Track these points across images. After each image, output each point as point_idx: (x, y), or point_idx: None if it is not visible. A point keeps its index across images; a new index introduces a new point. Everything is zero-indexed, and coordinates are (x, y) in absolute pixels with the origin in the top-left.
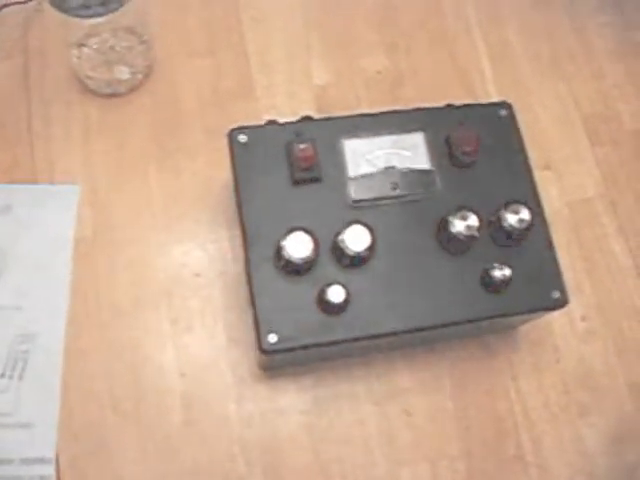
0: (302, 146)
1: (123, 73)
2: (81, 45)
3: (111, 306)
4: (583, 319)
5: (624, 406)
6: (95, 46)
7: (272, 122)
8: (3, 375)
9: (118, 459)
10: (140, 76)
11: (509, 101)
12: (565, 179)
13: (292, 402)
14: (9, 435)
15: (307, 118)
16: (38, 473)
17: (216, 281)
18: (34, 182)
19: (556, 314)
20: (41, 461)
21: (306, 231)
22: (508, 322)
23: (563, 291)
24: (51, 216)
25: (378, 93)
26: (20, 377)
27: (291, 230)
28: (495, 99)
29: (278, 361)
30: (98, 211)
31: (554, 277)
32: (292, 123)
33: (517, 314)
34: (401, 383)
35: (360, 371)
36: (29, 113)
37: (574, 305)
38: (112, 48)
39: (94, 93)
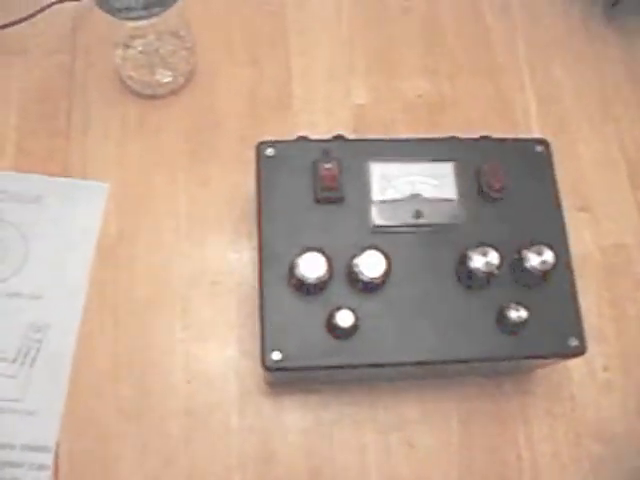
0: (327, 165)
1: (164, 76)
2: (126, 46)
3: (126, 306)
4: (605, 369)
5: None
6: (139, 48)
7: (303, 138)
8: (15, 361)
9: (116, 458)
10: (181, 80)
11: (548, 138)
12: (601, 223)
13: (294, 421)
14: (14, 421)
15: (339, 137)
16: (37, 461)
17: (233, 291)
18: (67, 175)
19: (576, 361)
20: (42, 449)
21: (321, 252)
22: (523, 365)
23: (582, 339)
24: (79, 211)
25: (416, 117)
26: (31, 365)
27: (306, 250)
28: (537, 135)
29: (283, 378)
30: (124, 211)
31: (573, 324)
32: (321, 141)
33: (531, 358)
34: (407, 414)
35: (366, 398)
36: (70, 108)
37: (596, 354)
38: (156, 51)
39: (134, 94)
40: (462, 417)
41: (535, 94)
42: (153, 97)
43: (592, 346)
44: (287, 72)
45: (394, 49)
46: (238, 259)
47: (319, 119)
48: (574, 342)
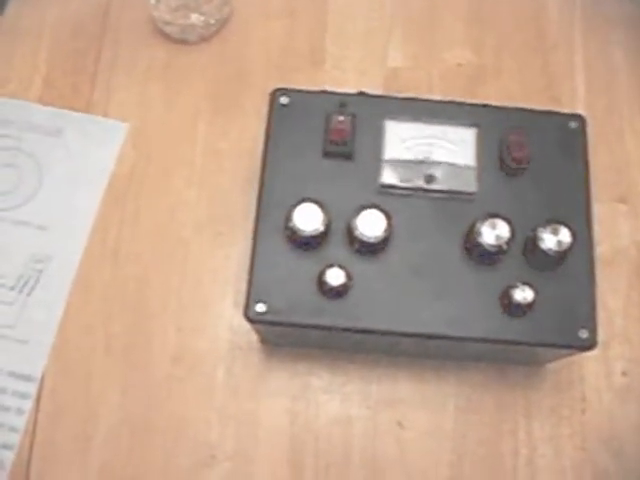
0: (340, 118)
1: (197, 20)
2: None
3: (127, 248)
4: (624, 374)
5: None
6: None
7: (324, 91)
8: (13, 288)
9: (98, 396)
10: (214, 27)
11: (593, 122)
12: None
13: (282, 385)
14: (4, 346)
15: (362, 93)
16: (21, 389)
17: (237, 244)
18: (88, 111)
19: (591, 360)
20: (27, 378)
21: (319, 204)
22: (530, 354)
23: (593, 332)
24: (95, 148)
25: (454, 86)
26: (29, 294)
27: (303, 200)
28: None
29: (272, 336)
30: (140, 153)
31: (585, 314)
32: (340, 94)
33: (533, 345)
34: (401, 392)
35: (359, 369)
36: (100, 46)
37: (617, 356)
38: None
39: (166, 37)
40: (460, 403)
41: (586, 75)
42: (183, 42)
43: (613, 347)
44: (322, 27)
45: (438, 15)
46: (245, 213)
47: (350, 78)
48: (584, 334)
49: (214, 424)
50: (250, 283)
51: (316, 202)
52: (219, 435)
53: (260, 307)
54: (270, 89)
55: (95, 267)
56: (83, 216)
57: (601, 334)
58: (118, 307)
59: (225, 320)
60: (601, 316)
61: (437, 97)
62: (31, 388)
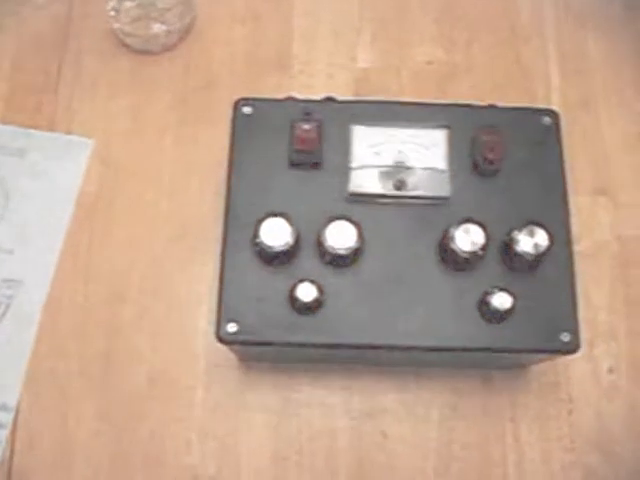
0: (305, 126)
1: (159, 30)
2: None
3: (99, 267)
4: (610, 371)
5: None
6: (136, 1)
7: (290, 98)
8: None
9: (75, 421)
10: (176, 36)
11: (570, 114)
12: (622, 209)
13: (262, 400)
14: None
15: (329, 99)
16: None
17: (211, 259)
18: (52, 129)
19: (578, 360)
20: (1, 408)
21: (287, 219)
22: (511, 359)
23: (576, 334)
24: (61, 167)
25: (424, 85)
26: None
27: (270, 215)
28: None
29: (246, 353)
30: (108, 169)
31: (567, 317)
32: (306, 101)
33: (514, 352)
34: (383, 402)
35: (340, 381)
36: (62, 60)
37: (602, 353)
38: (152, 4)
39: (128, 49)
40: (444, 410)
41: (560, 65)
42: (147, 53)
43: (598, 345)
44: (289, 31)
45: (407, 13)
46: (218, 226)
47: (318, 82)
48: (566, 337)
49: (195, 444)
50: (220, 303)
51: (283, 215)
52: (200, 455)
53: (232, 327)
54: (237, 97)
55: (67, 288)
56: (52, 237)
57: (586, 332)
58: (92, 328)
59: (201, 338)
60: (585, 313)
61: (408, 98)
62: (7, 418)
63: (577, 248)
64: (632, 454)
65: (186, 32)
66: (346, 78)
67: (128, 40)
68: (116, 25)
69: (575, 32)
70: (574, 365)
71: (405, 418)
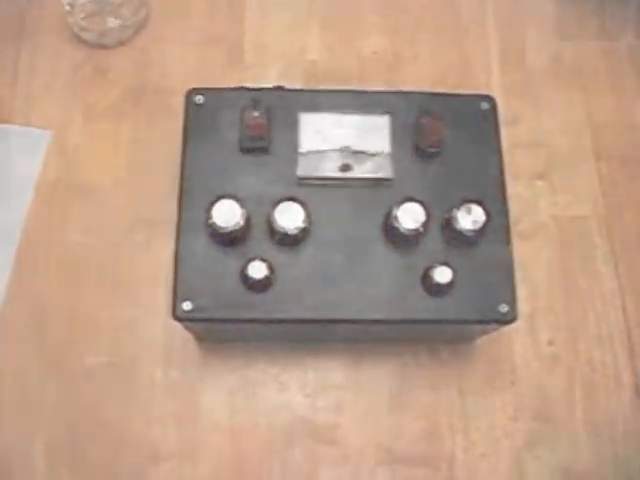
0: (254, 114)
1: (114, 24)
2: None
3: (58, 256)
4: (550, 343)
5: (578, 445)
6: None
7: (241, 88)
8: None
9: (36, 407)
10: (131, 30)
11: (510, 101)
12: (559, 193)
13: (219, 379)
14: None
15: (278, 88)
16: None
17: (169, 242)
18: (9, 122)
19: (520, 333)
20: None
21: (237, 201)
22: (456, 331)
23: (513, 306)
24: (19, 158)
25: (370, 75)
26: None
27: (222, 197)
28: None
29: (204, 333)
30: (65, 160)
31: (504, 289)
32: (255, 90)
33: (456, 323)
34: (337, 378)
35: (294, 359)
36: (19, 54)
37: (542, 326)
38: None
39: (83, 43)
40: (394, 384)
41: (501, 56)
42: (102, 47)
43: (538, 319)
44: (240, 25)
45: (354, 5)
46: (175, 213)
47: (270, 74)
48: (504, 308)
49: (155, 423)
50: (175, 282)
51: (234, 198)
52: (161, 434)
53: (187, 305)
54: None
55: (27, 278)
56: (10, 228)
57: (526, 307)
58: (52, 316)
59: (160, 321)
60: (526, 290)
61: (355, 87)
62: None
63: (517, 228)
64: (569, 420)
65: (140, 26)
66: (296, 70)
67: (83, 34)
68: (71, 20)
69: (515, 22)
70: (517, 338)
71: (357, 393)
